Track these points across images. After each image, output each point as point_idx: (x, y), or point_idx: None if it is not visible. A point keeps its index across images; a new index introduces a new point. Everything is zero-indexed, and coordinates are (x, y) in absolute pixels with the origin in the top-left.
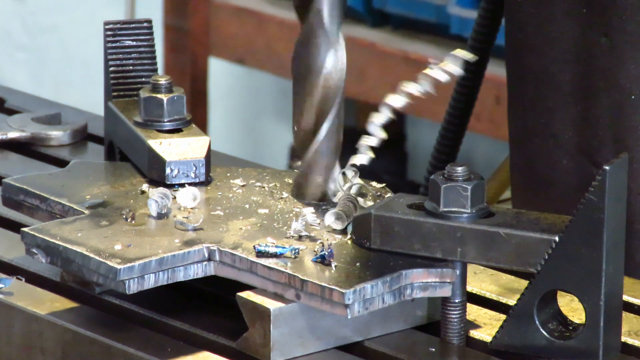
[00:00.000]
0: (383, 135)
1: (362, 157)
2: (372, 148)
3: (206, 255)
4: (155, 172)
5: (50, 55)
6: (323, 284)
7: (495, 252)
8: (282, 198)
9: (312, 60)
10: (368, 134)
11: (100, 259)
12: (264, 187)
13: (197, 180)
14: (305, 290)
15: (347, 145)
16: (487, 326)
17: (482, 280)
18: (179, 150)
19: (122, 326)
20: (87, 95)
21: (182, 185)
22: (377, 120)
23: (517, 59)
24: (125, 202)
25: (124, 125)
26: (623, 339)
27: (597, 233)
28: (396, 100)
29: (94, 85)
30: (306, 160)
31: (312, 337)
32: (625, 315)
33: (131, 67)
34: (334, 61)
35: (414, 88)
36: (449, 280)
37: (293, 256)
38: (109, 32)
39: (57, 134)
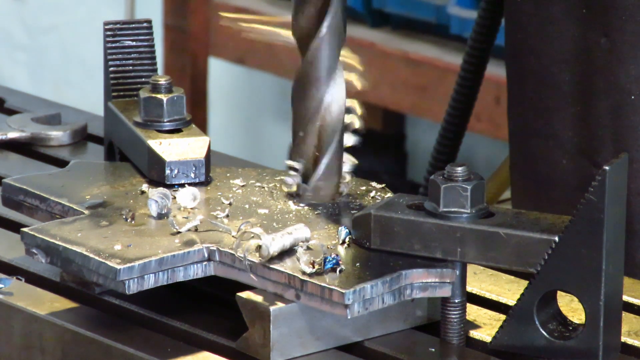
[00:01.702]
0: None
1: (349, 139)
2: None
3: (206, 255)
4: (155, 172)
5: (50, 55)
6: (323, 284)
7: (495, 252)
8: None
9: (309, 99)
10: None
11: (100, 259)
12: (263, 187)
13: (197, 181)
14: (305, 290)
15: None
16: (487, 326)
17: (482, 280)
18: (178, 150)
19: (122, 326)
20: (87, 95)
21: (182, 185)
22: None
23: (517, 59)
24: (125, 202)
25: (123, 126)
26: (623, 339)
27: (597, 233)
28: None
29: (93, 85)
30: (305, 195)
31: (311, 337)
32: (625, 315)
33: (131, 67)
34: (333, 95)
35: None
36: (448, 281)
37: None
38: (108, 32)
39: (57, 134)
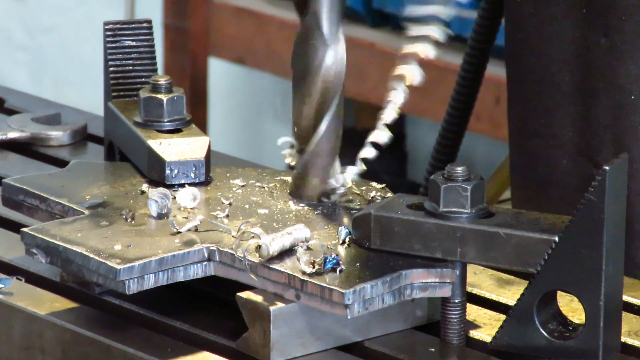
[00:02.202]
0: (389, 133)
1: (369, 151)
2: (378, 144)
3: (206, 255)
4: (155, 172)
5: (50, 55)
6: (323, 284)
7: (495, 252)
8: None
9: (309, 60)
10: (374, 131)
11: (100, 259)
12: (263, 187)
13: (197, 181)
14: (305, 290)
15: (347, 146)
16: (487, 326)
17: (482, 280)
18: (178, 150)
19: (122, 326)
20: (87, 95)
21: (182, 185)
22: (387, 117)
23: (517, 59)
24: (125, 202)
25: (123, 126)
26: (623, 339)
27: (597, 233)
28: (398, 97)
29: (93, 85)
30: (303, 160)
31: (311, 337)
32: (625, 315)
33: (131, 67)
34: (332, 61)
35: (406, 81)
36: (448, 281)
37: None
38: (108, 32)
39: (57, 134)
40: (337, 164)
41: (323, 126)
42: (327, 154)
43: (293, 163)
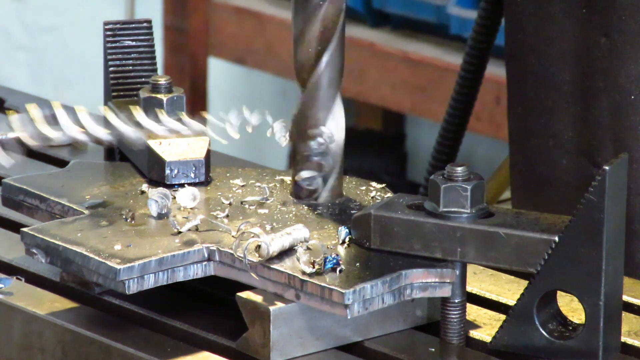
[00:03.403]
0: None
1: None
2: None
3: (206, 255)
4: (155, 172)
5: (50, 55)
6: (323, 284)
7: (495, 252)
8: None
9: (312, 126)
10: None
11: (100, 259)
12: (263, 187)
13: (197, 181)
14: (305, 290)
15: (347, 146)
16: (487, 326)
17: (482, 280)
18: (178, 150)
19: (122, 326)
20: (87, 95)
21: (182, 185)
22: None
23: (517, 59)
24: (125, 202)
25: None
26: (623, 339)
27: (597, 233)
28: None
29: (93, 85)
30: (306, 91)
31: (311, 337)
32: (625, 315)
33: (131, 67)
34: (331, 130)
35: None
36: (448, 281)
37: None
38: (108, 32)
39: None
40: (337, 108)
41: (326, 57)
42: (330, 85)
43: (286, 141)
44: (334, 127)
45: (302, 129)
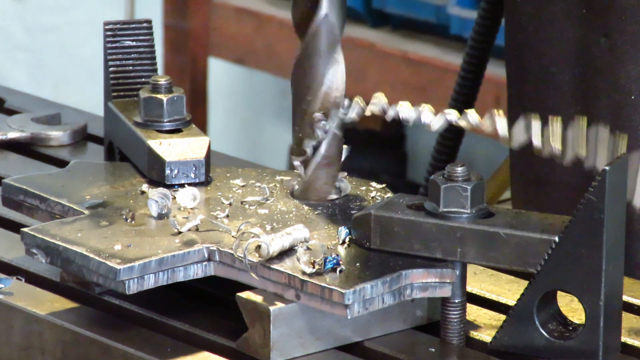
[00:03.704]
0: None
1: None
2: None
3: (206, 255)
4: (155, 172)
5: (50, 55)
6: (323, 284)
7: (495, 253)
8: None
9: (311, 79)
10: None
11: (100, 259)
12: (264, 187)
13: (197, 181)
14: (305, 290)
15: (347, 145)
16: (487, 326)
17: (482, 280)
18: (178, 150)
19: (122, 326)
20: (87, 95)
21: (182, 185)
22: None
23: (517, 59)
24: (125, 202)
25: (123, 126)
26: (623, 339)
27: (597, 233)
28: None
29: (93, 85)
30: (306, 178)
31: (311, 338)
32: (625, 315)
33: (131, 68)
34: (333, 79)
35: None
36: (448, 281)
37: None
38: (108, 33)
39: (57, 134)
40: (338, 64)
41: (325, 144)
42: (329, 168)
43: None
44: (334, 75)
45: (302, 79)
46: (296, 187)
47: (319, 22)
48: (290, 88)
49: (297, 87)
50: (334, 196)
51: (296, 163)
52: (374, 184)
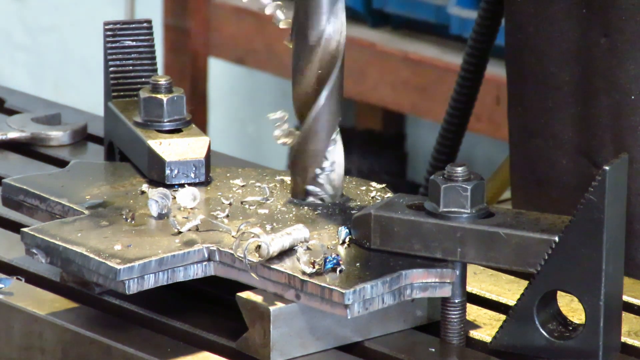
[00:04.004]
0: None
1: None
2: None
3: (206, 255)
4: (155, 172)
5: (50, 55)
6: (323, 284)
7: (495, 252)
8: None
9: (311, 26)
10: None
11: (100, 259)
12: (264, 187)
13: (197, 181)
14: (305, 290)
15: (347, 145)
16: (487, 326)
17: (482, 280)
18: (178, 150)
19: (122, 326)
20: (87, 96)
21: (182, 185)
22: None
23: (517, 59)
24: (125, 202)
25: (123, 126)
26: (623, 339)
27: (597, 233)
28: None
29: (94, 85)
30: (305, 127)
31: (312, 338)
32: (625, 315)
33: (131, 68)
34: (334, 27)
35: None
36: (448, 281)
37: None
38: (108, 32)
39: (57, 134)
40: (337, 144)
41: (325, 92)
42: (329, 120)
43: (285, 142)
44: (334, 157)
45: (301, 163)
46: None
47: (321, 104)
48: (290, 164)
49: (297, 33)
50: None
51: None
52: (374, 184)
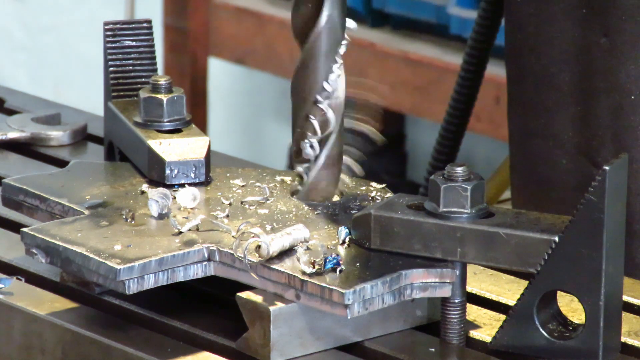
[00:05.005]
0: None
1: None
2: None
3: (206, 255)
4: (155, 172)
5: (50, 55)
6: (323, 284)
7: (495, 252)
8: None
9: (311, 85)
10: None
11: (100, 259)
12: (264, 187)
13: (197, 181)
14: (305, 290)
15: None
16: (487, 326)
17: (482, 280)
18: (178, 150)
19: (122, 326)
20: (87, 95)
21: (182, 185)
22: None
23: (517, 59)
24: (125, 202)
25: (123, 126)
26: (623, 339)
27: (597, 233)
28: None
29: (94, 85)
30: (305, 188)
31: (311, 338)
32: (625, 315)
33: (131, 68)
34: (334, 85)
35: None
36: (448, 281)
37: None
38: (108, 32)
39: (57, 134)
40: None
41: (325, 151)
42: (330, 179)
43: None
44: (334, 82)
45: (302, 86)
46: (299, 188)
47: (322, 24)
48: (290, 92)
49: (298, 90)
50: (336, 197)
51: (299, 169)
52: (374, 184)
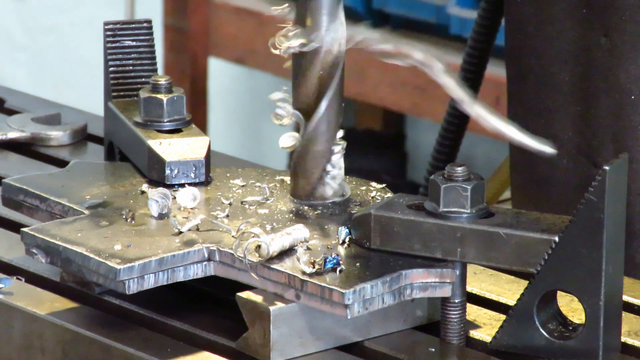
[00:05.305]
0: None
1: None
2: None
3: (206, 255)
4: (155, 172)
5: (50, 56)
6: (323, 284)
7: (495, 252)
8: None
9: (312, 30)
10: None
11: (100, 259)
12: (263, 187)
13: (197, 181)
14: (305, 290)
15: (347, 145)
16: (487, 326)
17: (482, 280)
18: (178, 150)
19: (122, 326)
20: (87, 95)
21: (182, 185)
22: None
23: (517, 59)
24: (125, 202)
25: (123, 126)
26: (623, 339)
27: (597, 233)
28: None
29: (94, 85)
30: (305, 136)
31: (311, 337)
32: (625, 315)
33: (131, 67)
34: (333, 36)
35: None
36: (448, 281)
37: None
38: (108, 32)
39: (57, 134)
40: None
41: (325, 102)
42: (329, 129)
43: (286, 123)
44: (336, 158)
45: (303, 165)
46: (293, 143)
47: (318, 117)
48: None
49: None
50: (337, 198)
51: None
52: (374, 184)
